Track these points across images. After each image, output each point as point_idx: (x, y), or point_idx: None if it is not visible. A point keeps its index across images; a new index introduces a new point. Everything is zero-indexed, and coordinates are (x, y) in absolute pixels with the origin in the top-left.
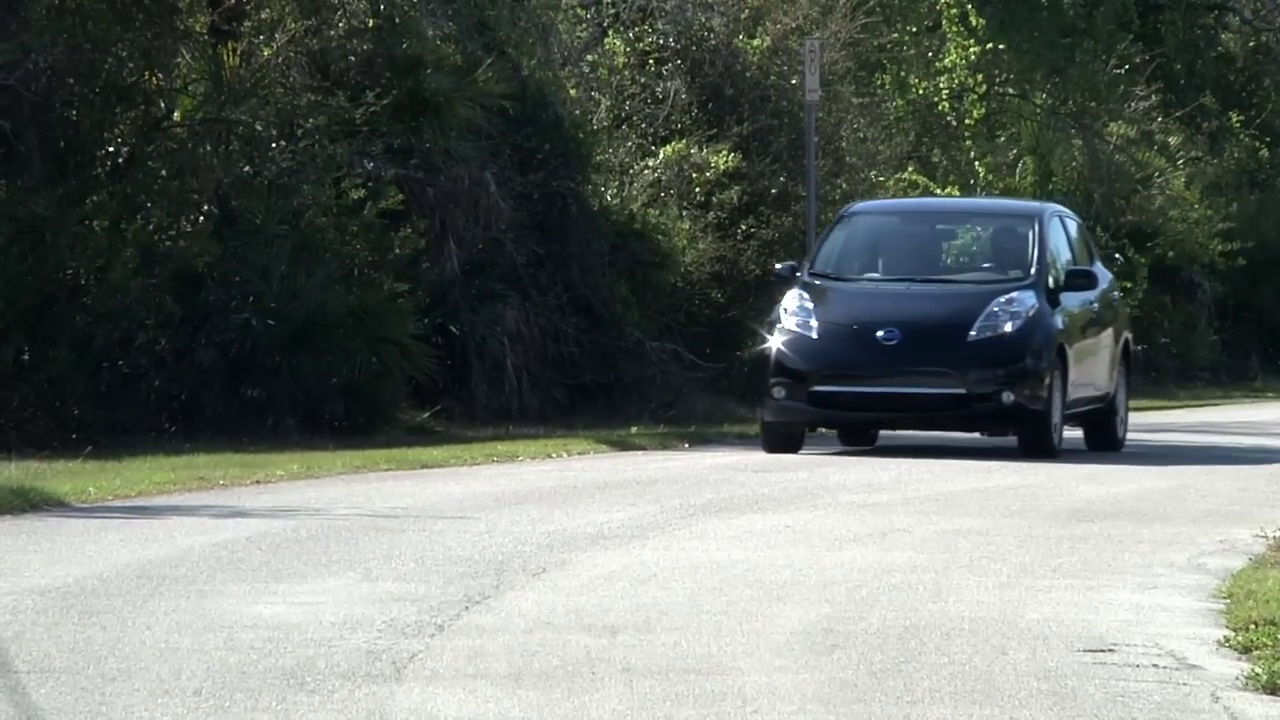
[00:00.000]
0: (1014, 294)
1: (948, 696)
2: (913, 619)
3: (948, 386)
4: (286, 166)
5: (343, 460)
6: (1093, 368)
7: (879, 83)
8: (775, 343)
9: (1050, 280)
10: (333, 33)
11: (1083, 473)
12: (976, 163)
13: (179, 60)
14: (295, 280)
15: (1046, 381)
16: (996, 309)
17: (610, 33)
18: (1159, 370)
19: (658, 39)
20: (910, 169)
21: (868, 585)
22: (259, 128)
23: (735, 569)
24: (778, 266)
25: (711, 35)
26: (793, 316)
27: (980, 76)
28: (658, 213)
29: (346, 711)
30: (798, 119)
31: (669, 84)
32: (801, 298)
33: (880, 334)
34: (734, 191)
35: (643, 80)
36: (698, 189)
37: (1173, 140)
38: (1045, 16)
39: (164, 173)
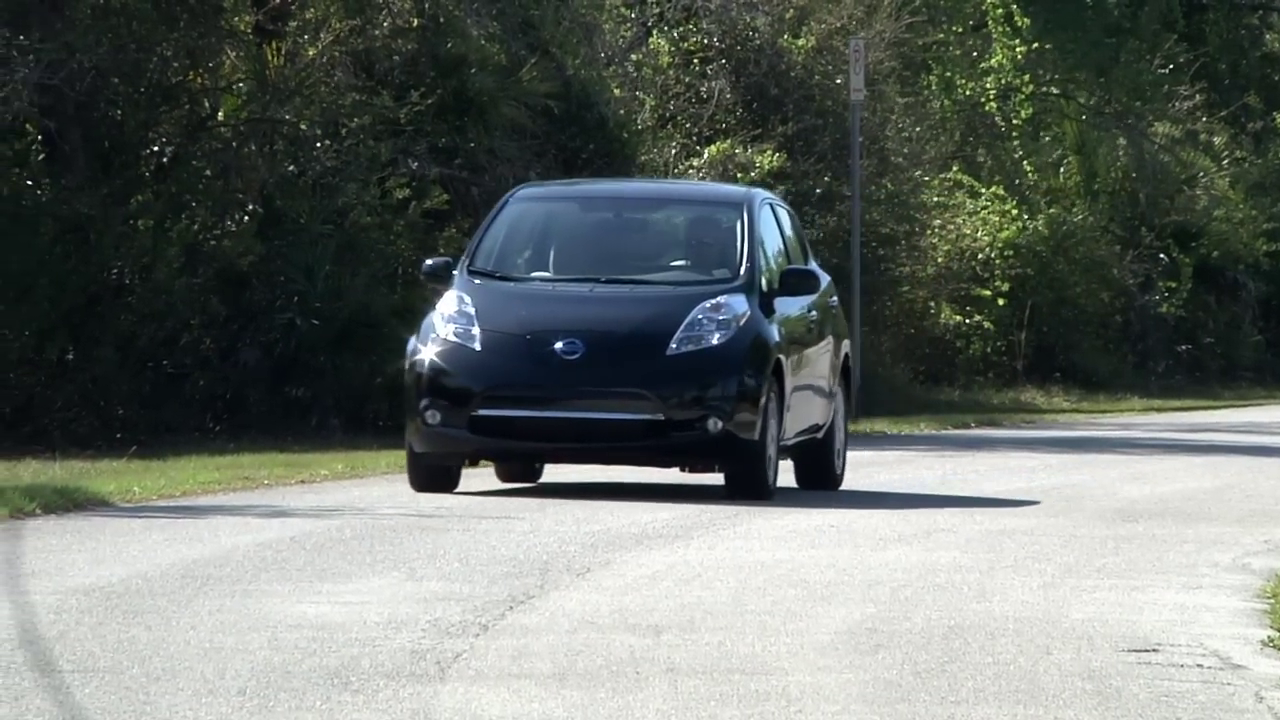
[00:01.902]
0: (721, 298)
1: (992, 696)
2: (957, 619)
3: (642, 411)
4: (331, 166)
5: (386, 460)
6: (811, 389)
7: (924, 83)
8: (427, 355)
9: (763, 282)
10: (377, 32)
11: (1127, 472)
12: (1024, 162)
13: (224, 60)
14: (339, 280)
15: (761, 405)
16: (701, 317)
17: (654, 32)
18: (1203, 370)
19: (702, 38)
20: (955, 168)
21: (912, 585)
22: (303, 127)
23: (780, 568)
24: (428, 262)
25: (756, 35)
26: (450, 324)
27: (1027, 76)
28: None
29: (391, 711)
30: (842, 119)
31: (713, 84)
32: (461, 301)
33: (559, 346)
34: (778, 191)
35: (687, 80)
36: None
37: (1217, 140)
38: (1090, 16)
39: (209, 172)
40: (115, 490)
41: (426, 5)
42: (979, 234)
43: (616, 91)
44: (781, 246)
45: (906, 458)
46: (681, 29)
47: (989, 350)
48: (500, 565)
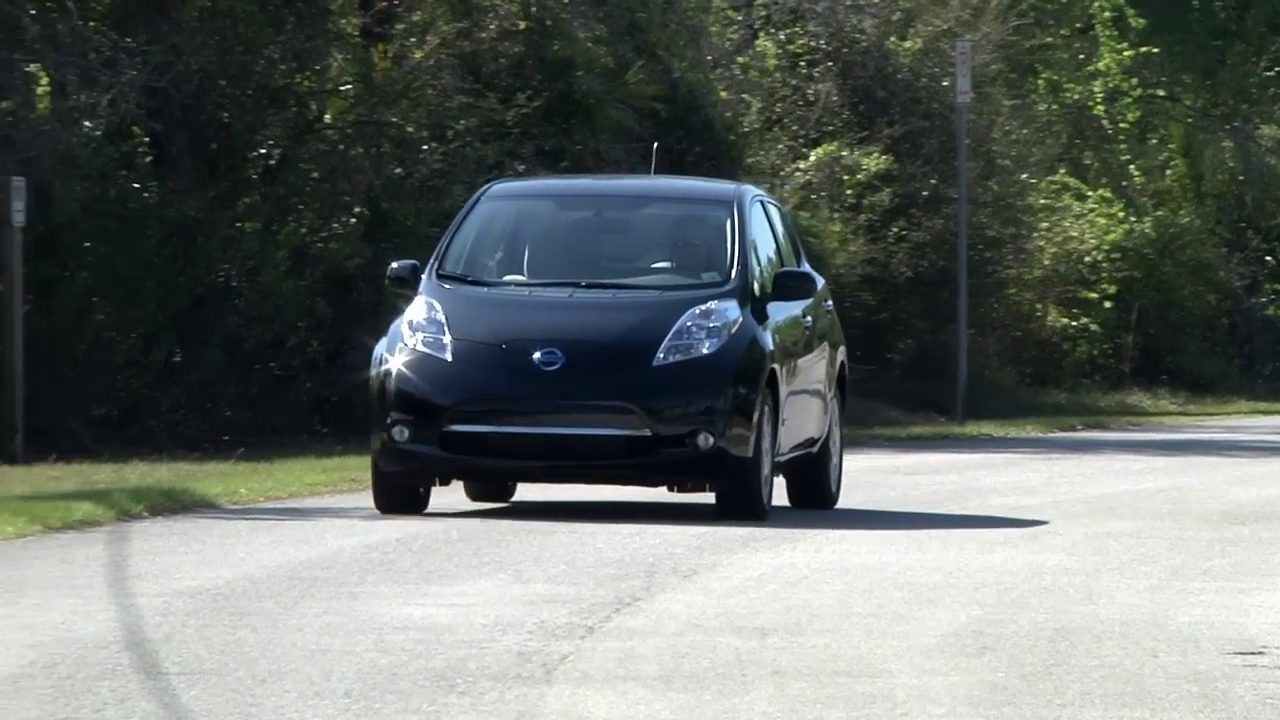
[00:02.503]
0: (711, 304)
1: (1098, 699)
2: (1063, 621)
3: (627, 427)
4: (437, 168)
5: None
6: (806, 400)
7: (1031, 85)
8: (394, 365)
9: (756, 286)
10: (484, 35)
11: (1233, 474)
12: (1131, 165)
13: (330, 62)
14: None
15: (755, 419)
16: (690, 324)
17: (761, 35)
18: None
19: (809, 41)
20: (1062, 171)
21: (1018, 588)
22: (410, 129)
23: (885, 571)
24: (392, 266)
25: (863, 37)
26: (418, 332)
27: (1134, 79)
28: (809, 215)
29: (497, 713)
30: (949, 121)
31: (820, 86)
32: (431, 307)
33: (537, 356)
34: (885, 194)
35: (794, 82)
36: (849, 191)
37: None
38: (1196, 19)
39: (315, 175)
40: (222, 492)
41: (533, 8)
42: (1085, 237)
43: (723, 94)
44: (774, 247)
45: (1013, 460)
46: (788, 31)
47: (1095, 353)
48: (606, 568)
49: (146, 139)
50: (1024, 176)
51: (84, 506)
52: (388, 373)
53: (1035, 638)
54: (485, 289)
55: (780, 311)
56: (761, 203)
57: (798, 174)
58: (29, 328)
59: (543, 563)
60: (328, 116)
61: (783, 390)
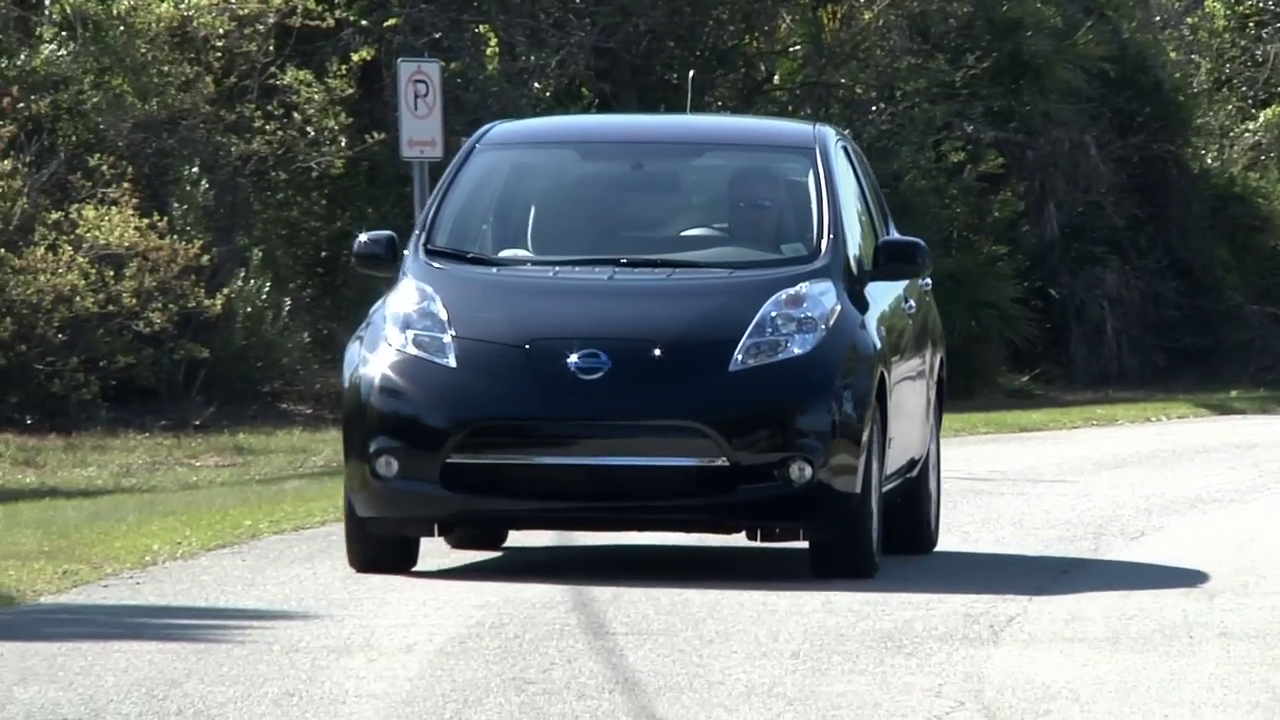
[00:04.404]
0: (801, 287)
1: None
2: None
3: (696, 454)
4: (885, 129)
5: (958, 423)
6: (910, 410)
7: None
8: (376, 372)
9: (853, 261)
10: None
11: None
12: None
13: (779, 23)
14: None
15: (864, 440)
16: (775, 315)
17: None
18: None
19: (1257, 2)
20: None
21: None
22: (858, 90)
23: None
24: (361, 239)
25: None
26: (408, 328)
27: None
28: (1258, 176)
29: (943, 674)
30: None
31: (1269, 47)
32: (424, 295)
33: (573, 360)
34: None
35: (1243, 43)
36: None
37: None
38: None
39: None
40: None
41: None
42: None
43: (1172, 54)
44: (865, 207)
45: None
46: None
47: None
48: (1054, 529)
49: (595, 99)
50: None
51: None
52: (368, 382)
53: None
54: (494, 270)
55: (882, 295)
56: (845, 148)
57: (1247, 135)
58: None
59: (990, 524)
60: (776, 77)
61: (891, 400)
